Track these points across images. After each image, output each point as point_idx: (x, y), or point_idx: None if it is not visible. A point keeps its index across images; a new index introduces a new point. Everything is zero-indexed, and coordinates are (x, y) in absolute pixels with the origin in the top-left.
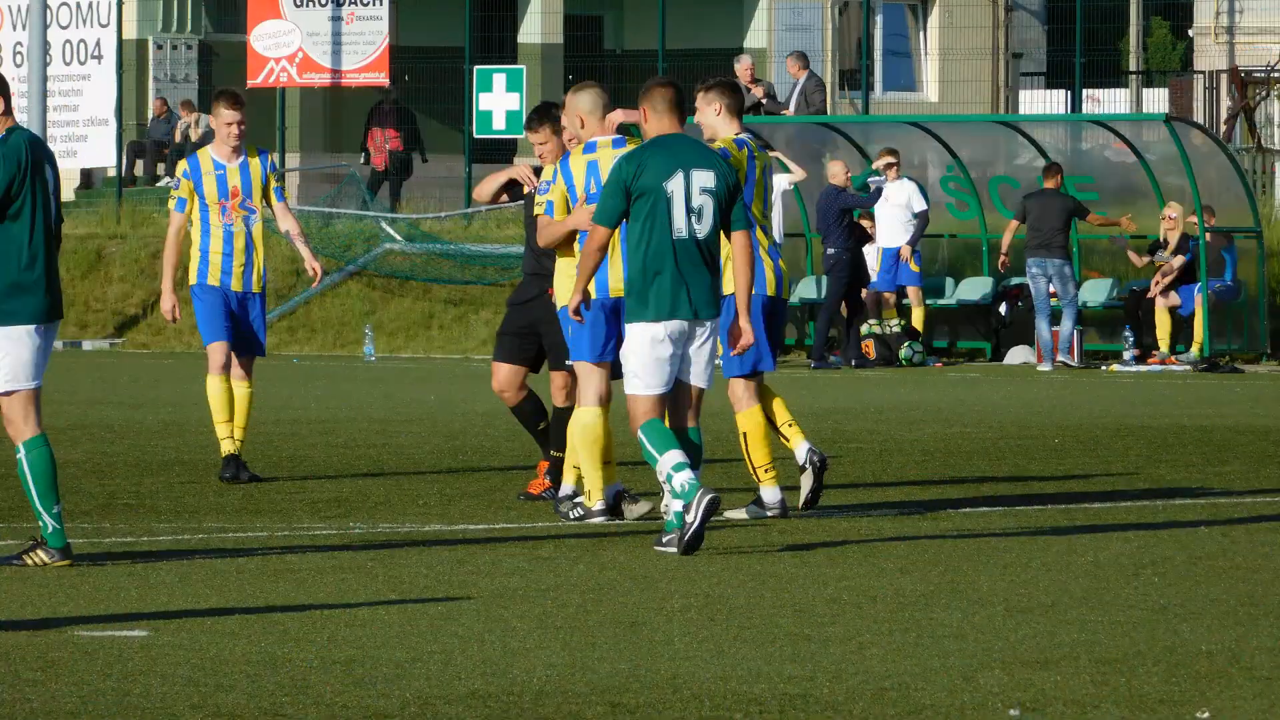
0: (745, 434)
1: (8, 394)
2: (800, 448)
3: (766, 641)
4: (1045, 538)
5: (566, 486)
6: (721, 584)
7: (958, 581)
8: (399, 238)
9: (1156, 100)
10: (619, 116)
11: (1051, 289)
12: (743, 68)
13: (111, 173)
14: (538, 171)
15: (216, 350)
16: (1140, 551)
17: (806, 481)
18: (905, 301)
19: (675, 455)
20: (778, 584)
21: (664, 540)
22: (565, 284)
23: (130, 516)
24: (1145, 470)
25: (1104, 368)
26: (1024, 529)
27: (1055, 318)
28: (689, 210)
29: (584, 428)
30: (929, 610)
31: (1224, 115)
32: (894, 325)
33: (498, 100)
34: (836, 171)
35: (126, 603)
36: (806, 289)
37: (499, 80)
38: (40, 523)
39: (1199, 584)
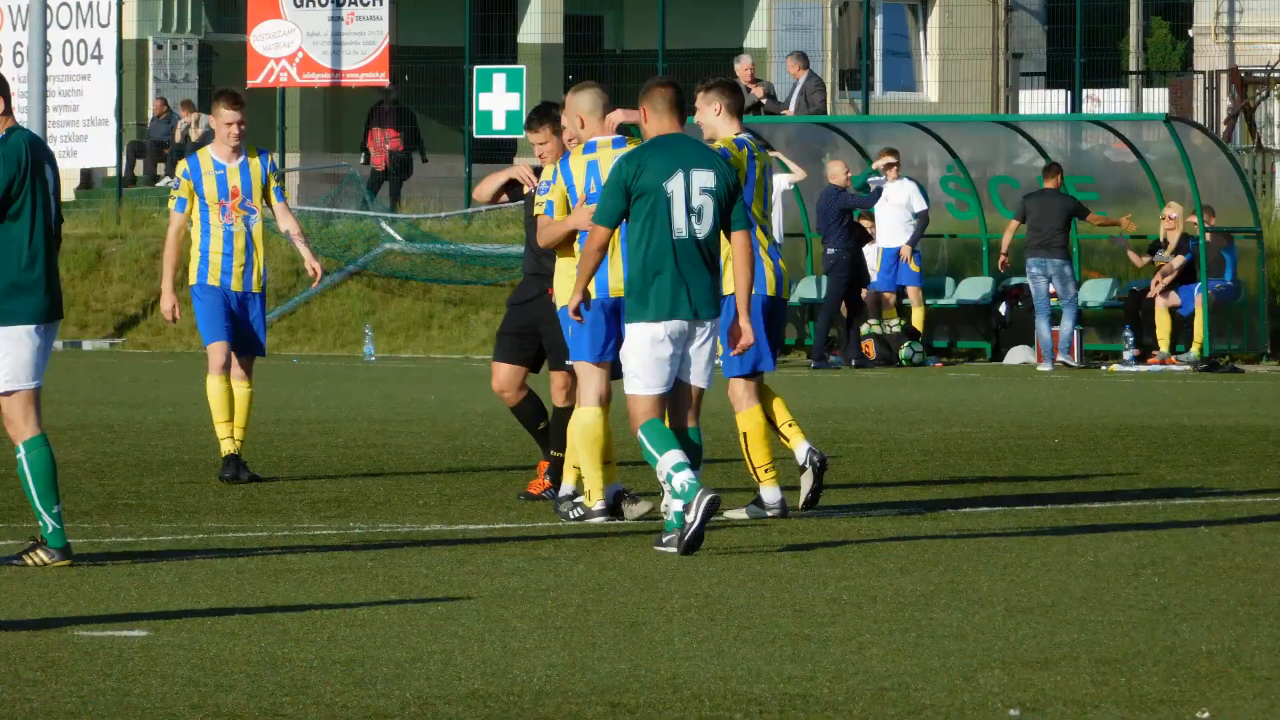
0: (745, 434)
1: (8, 394)
2: (800, 448)
3: (766, 641)
4: (1045, 538)
5: (566, 486)
6: (721, 584)
7: (958, 581)
8: (399, 238)
9: (1156, 100)
10: (619, 116)
11: (1051, 289)
12: (743, 68)
13: (111, 173)
14: (538, 171)
15: (216, 350)
16: (1140, 551)
17: (806, 481)
18: (905, 301)
19: (675, 455)
20: (778, 584)
21: (664, 540)
22: (565, 284)
23: (130, 516)
24: (1145, 470)
25: (1104, 368)
26: (1024, 529)
27: (1055, 318)
28: (689, 210)
29: (584, 428)
30: (929, 610)
31: (1224, 115)
32: (894, 325)
33: (498, 100)
34: (836, 171)
35: (126, 603)
36: (806, 289)
37: (499, 80)
38: (40, 523)
39: (1199, 584)
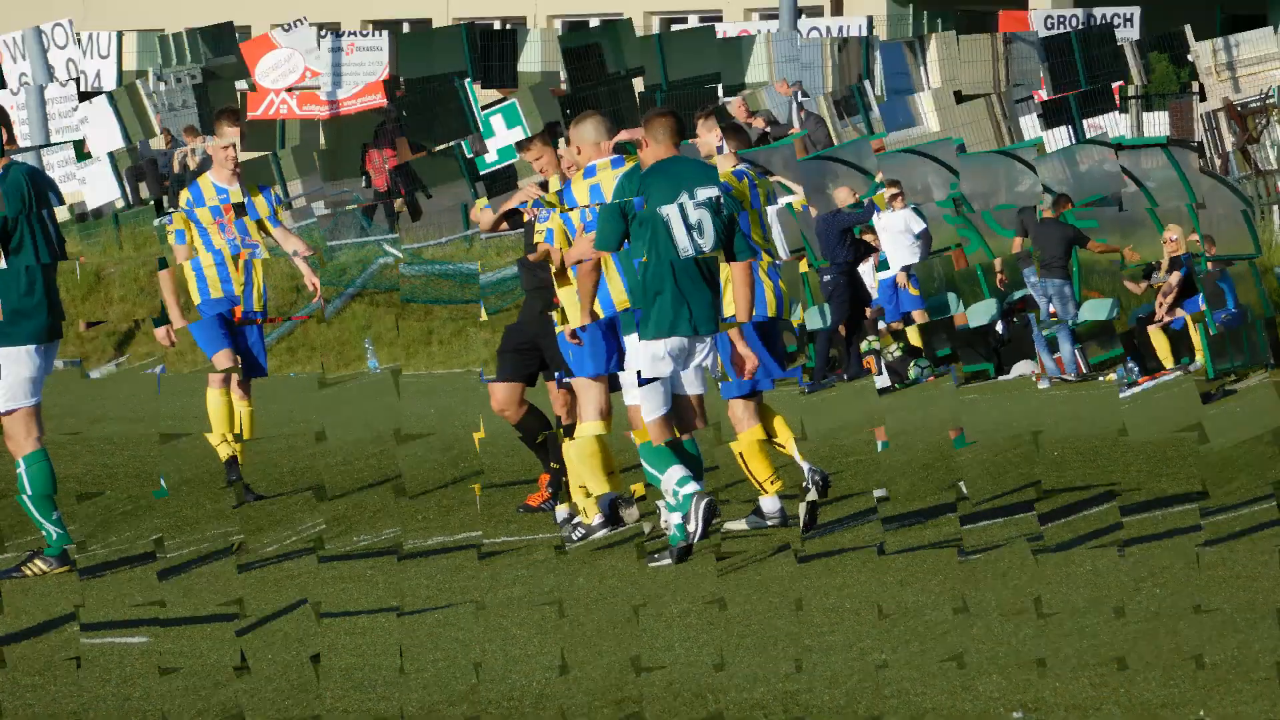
0: (742, 454)
1: (9, 413)
2: (801, 465)
3: (766, 648)
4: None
5: (563, 510)
6: (721, 591)
7: (957, 590)
8: (399, 254)
9: (1157, 124)
10: (620, 136)
11: (1052, 309)
12: (736, 105)
13: (120, 204)
14: (544, 186)
15: (221, 358)
16: (1140, 560)
17: (807, 501)
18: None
19: (677, 471)
20: (777, 591)
21: (659, 556)
22: (572, 311)
23: (131, 524)
24: (1145, 481)
25: (1101, 378)
26: (1024, 537)
27: (1054, 342)
28: (689, 228)
29: (584, 443)
30: (928, 617)
31: (1228, 147)
32: (894, 351)
33: (502, 139)
34: (844, 198)
35: (127, 608)
36: (812, 320)
37: (497, 122)
38: (44, 532)
39: (1199, 591)
